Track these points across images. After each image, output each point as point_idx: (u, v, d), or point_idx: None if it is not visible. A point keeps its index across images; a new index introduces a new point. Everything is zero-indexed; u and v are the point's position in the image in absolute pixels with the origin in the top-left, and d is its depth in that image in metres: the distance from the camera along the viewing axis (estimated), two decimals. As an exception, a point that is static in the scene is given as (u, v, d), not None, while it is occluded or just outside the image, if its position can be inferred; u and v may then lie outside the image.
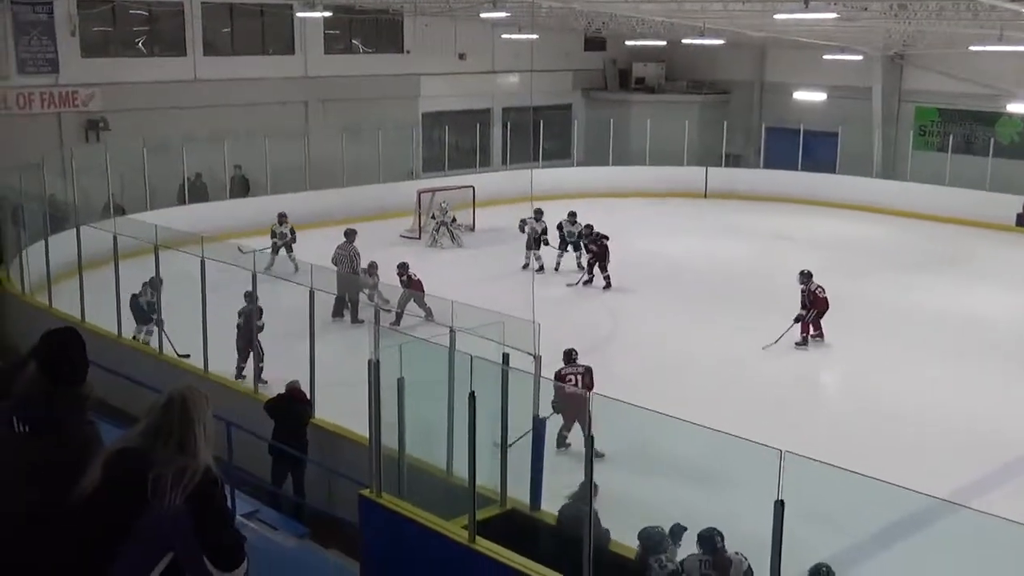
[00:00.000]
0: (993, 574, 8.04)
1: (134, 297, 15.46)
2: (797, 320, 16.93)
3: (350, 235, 19.08)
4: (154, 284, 14.88)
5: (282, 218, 21.56)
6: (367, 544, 9.33)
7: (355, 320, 17.45)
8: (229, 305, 14.66)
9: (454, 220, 24.90)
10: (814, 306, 16.99)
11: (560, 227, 21.63)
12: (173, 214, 22.18)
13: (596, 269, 20.27)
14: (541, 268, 20.95)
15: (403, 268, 17.96)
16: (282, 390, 12.11)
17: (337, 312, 17.42)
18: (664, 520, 8.25)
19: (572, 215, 21.62)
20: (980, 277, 21.94)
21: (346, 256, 18.44)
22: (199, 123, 25.34)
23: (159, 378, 11.93)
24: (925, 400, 14.73)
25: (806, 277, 17.27)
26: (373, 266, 18.02)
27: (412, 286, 17.47)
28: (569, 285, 20.42)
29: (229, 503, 9.01)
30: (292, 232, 21.38)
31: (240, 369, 14.42)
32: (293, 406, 11.83)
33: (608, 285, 20.08)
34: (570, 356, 12.91)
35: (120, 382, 10.93)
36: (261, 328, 13.89)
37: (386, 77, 29.59)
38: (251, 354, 13.90)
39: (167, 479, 3.55)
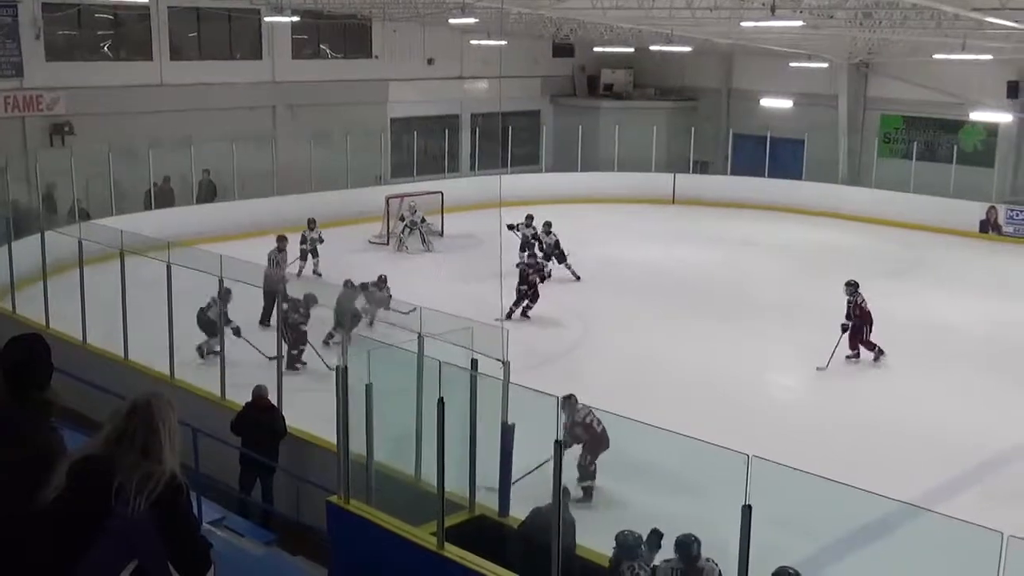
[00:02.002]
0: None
1: (201, 311, 15.15)
2: (844, 331, 16.20)
3: (281, 241, 19.13)
4: (223, 297, 14.37)
5: (312, 223, 21.55)
6: (335, 551, 9.29)
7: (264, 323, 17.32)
8: (195, 311, 14.57)
9: (423, 220, 24.86)
10: (861, 318, 16.33)
11: (536, 238, 21.62)
12: (139, 219, 22.00)
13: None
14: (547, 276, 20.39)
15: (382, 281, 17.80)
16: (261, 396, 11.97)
17: (265, 319, 17.23)
18: (635, 524, 8.24)
19: (547, 225, 21.57)
20: (945, 283, 22.15)
21: (278, 263, 18.63)
22: (166, 128, 25.19)
23: (124, 384, 11.83)
24: (892, 405, 14.84)
25: (852, 288, 16.52)
26: (383, 280, 17.75)
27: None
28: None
29: (195, 510, 8.94)
30: (321, 238, 21.40)
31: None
32: (261, 418, 11.66)
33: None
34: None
35: (85, 388, 10.83)
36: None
37: (354, 82, 29.53)
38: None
39: (131, 486, 3.51)
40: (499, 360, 8.89)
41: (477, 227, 22.45)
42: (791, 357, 17.13)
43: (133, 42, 26.46)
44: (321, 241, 21.35)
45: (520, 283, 18.88)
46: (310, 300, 15.49)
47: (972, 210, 27.19)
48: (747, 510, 6.45)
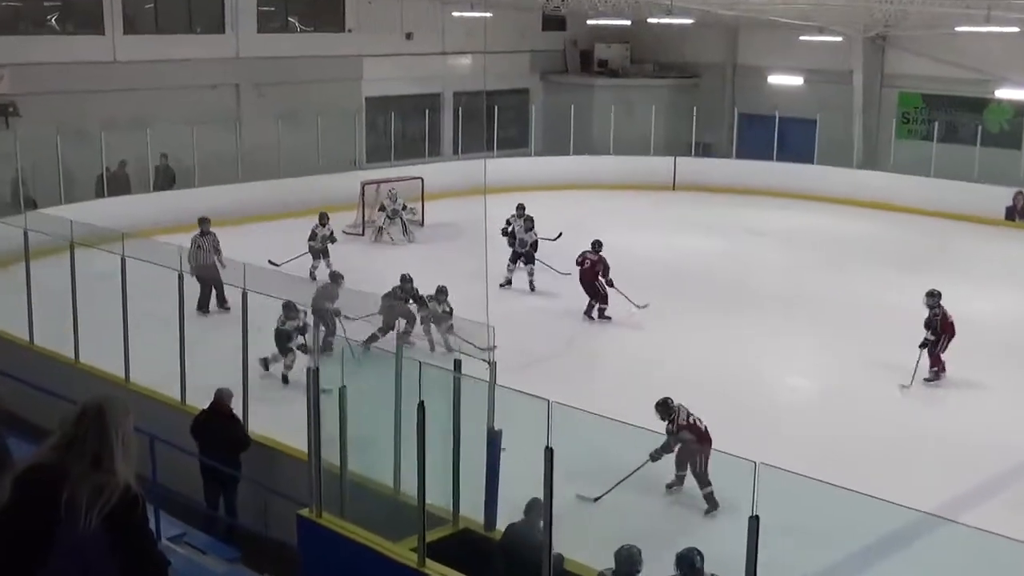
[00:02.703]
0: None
1: (279, 326, 15.11)
2: (923, 346, 15.47)
3: (204, 224, 19.31)
4: (289, 308, 14.70)
5: (324, 219, 21.41)
6: (306, 568, 9.30)
7: (222, 306, 17.94)
8: (152, 307, 14.50)
9: (405, 207, 24.85)
10: (944, 331, 15.58)
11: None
12: (91, 208, 21.94)
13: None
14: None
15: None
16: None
17: (202, 306, 17.90)
18: (632, 538, 8.26)
19: (529, 221, 21.26)
20: (968, 275, 22.18)
21: (204, 247, 18.80)
22: (120, 108, 25.10)
23: (75, 388, 11.80)
24: (911, 407, 14.90)
25: (935, 298, 15.77)
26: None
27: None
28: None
29: (152, 524, 8.92)
30: (333, 236, 21.31)
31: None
32: (218, 425, 11.60)
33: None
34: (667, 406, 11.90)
35: (32, 393, 10.80)
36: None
37: (326, 59, 29.45)
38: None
39: (82, 497, 3.50)
40: (484, 360, 8.91)
41: (460, 216, 22.43)
42: (802, 356, 17.16)
43: (83, 15, 26.30)
44: (333, 240, 21.19)
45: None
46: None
47: (998, 195, 27.25)
48: (754, 521, 6.47)
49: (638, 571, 7.98)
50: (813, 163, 30.36)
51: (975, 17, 22.32)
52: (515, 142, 32.86)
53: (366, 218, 25.35)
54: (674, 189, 31.17)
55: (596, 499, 11.38)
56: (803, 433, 13.78)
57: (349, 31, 30.51)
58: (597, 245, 18.88)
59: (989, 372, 16.31)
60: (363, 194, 25.50)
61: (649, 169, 31.20)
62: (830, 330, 17.69)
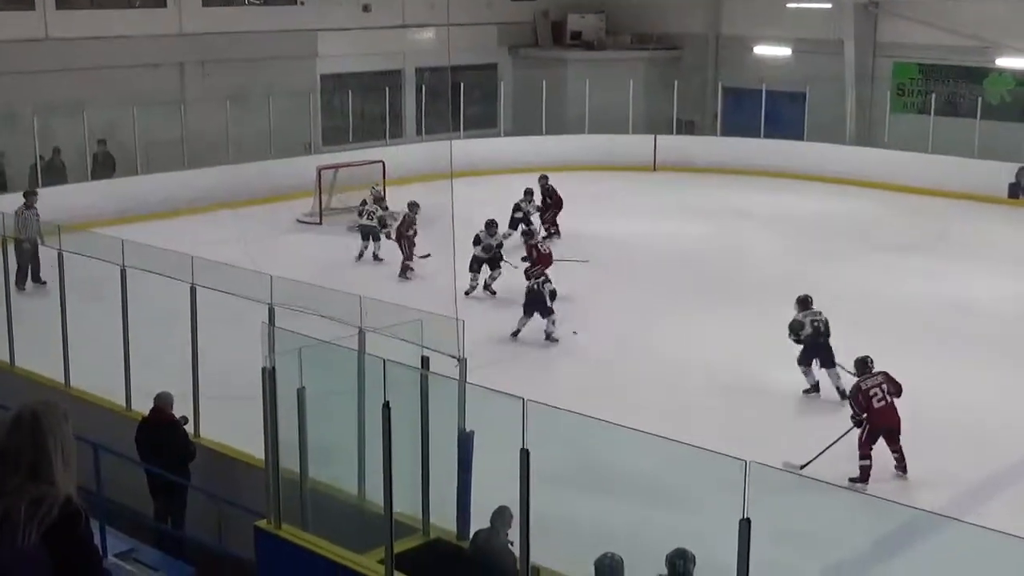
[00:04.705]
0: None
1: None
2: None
3: (30, 197, 19.69)
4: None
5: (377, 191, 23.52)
6: (264, 585, 9.28)
7: (37, 280, 18.77)
8: (92, 306, 14.42)
9: (383, 198, 24.85)
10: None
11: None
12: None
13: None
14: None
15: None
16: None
17: (20, 283, 18.22)
18: (615, 546, 8.27)
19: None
20: (969, 257, 22.37)
21: (28, 221, 19.08)
22: (53, 90, 24.92)
23: (10, 394, 11.70)
24: (911, 398, 14.95)
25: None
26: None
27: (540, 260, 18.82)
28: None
29: (98, 540, 8.87)
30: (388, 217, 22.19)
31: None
32: (163, 433, 11.52)
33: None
34: (865, 364, 12.98)
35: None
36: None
37: (277, 34, 29.31)
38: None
39: (19, 512, 3.48)
40: (454, 356, 8.90)
41: (426, 201, 22.33)
42: (794, 347, 17.21)
43: (11, -12, 26.14)
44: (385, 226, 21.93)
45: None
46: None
47: (1000, 172, 27.44)
48: (746, 524, 6.50)
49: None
50: (803, 140, 30.50)
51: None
52: (483, 121, 32.83)
53: (323, 206, 25.28)
54: (655, 170, 31.23)
55: (802, 466, 11.83)
56: (798, 425, 13.87)
57: (302, 4, 30.39)
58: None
59: (998, 360, 16.45)
60: (319, 180, 25.41)
61: (627, 149, 31.24)
62: (831, 317, 17.75)
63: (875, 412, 12.56)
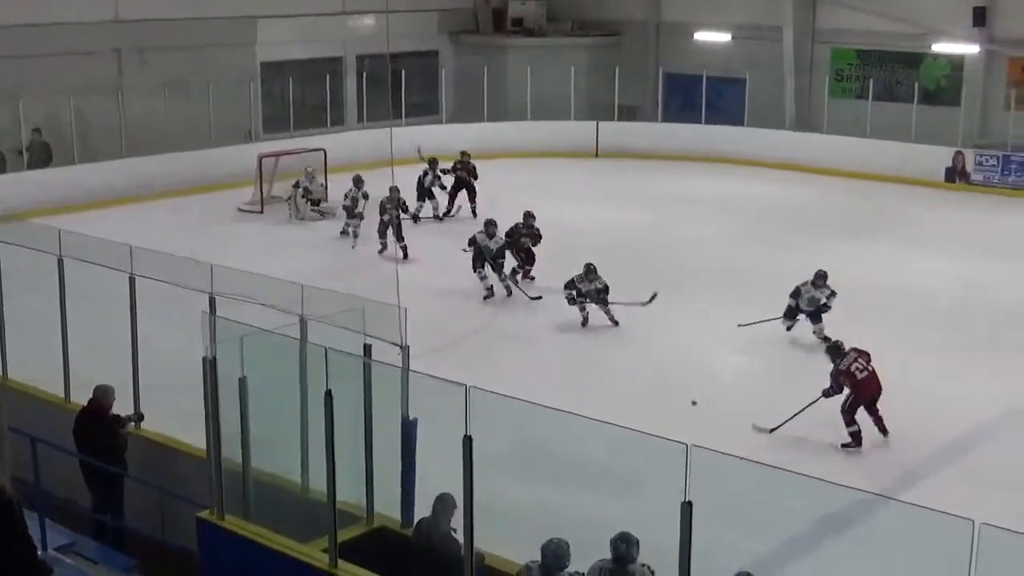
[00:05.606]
0: (929, 571, 8.32)
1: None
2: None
3: None
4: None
5: (434, 164, 24.14)
6: (208, 574, 9.21)
7: None
8: (30, 298, 14.22)
9: (323, 185, 24.79)
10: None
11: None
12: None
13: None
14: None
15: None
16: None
17: None
18: (558, 531, 8.29)
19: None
20: (908, 240, 22.66)
21: None
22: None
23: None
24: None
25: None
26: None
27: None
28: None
29: (37, 533, 8.77)
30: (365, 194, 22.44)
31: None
32: (97, 427, 11.38)
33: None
34: (839, 349, 13.63)
35: None
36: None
37: (216, 20, 28.98)
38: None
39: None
40: (396, 344, 8.88)
41: (368, 188, 22.31)
42: (738, 332, 17.34)
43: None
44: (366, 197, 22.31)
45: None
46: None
47: (937, 156, 27.85)
48: (687, 506, 6.54)
49: (565, 566, 8.02)
50: (743, 125, 30.72)
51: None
52: (424, 108, 32.76)
53: (264, 194, 25.12)
54: (597, 156, 31.35)
55: (772, 430, 13.00)
56: (738, 409, 13.98)
57: (240, -10, 30.09)
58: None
59: (937, 341, 16.69)
60: (260, 168, 25.23)
61: (569, 135, 31.34)
62: (766, 305, 17.90)
63: (861, 384, 13.26)
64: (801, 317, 16.70)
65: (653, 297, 17.47)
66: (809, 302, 16.52)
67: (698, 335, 17.11)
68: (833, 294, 16.60)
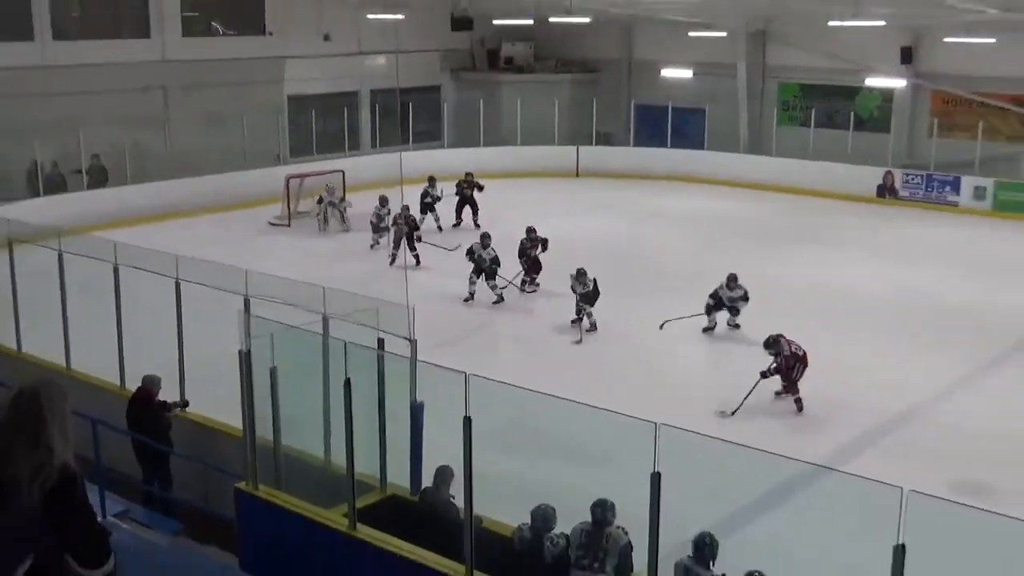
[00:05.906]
0: (863, 531, 8.36)
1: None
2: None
3: None
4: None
5: (432, 181, 23.66)
6: (244, 537, 9.22)
7: None
8: (90, 300, 14.21)
9: (343, 200, 24.75)
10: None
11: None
12: (26, 206, 21.41)
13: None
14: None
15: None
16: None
17: None
18: (546, 497, 8.31)
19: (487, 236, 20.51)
20: (846, 248, 22.70)
21: None
22: (51, 111, 24.42)
23: (18, 377, 11.50)
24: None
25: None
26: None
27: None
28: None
29: (98, 504, 8.77)
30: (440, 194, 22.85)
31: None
32: (145, 413, 11.38)
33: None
34: (778, 342, 13.78)
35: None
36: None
37: (248, 61, 28.98)
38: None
39: (23, 475, 3.43)
40: (405, 338, 8.89)
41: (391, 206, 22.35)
42: (699, 328, 17.37)
43: (12, 21, 25.54)
44: (391, 214, 21.72)
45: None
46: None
47: (870, 175, 27.90)
48: (656, 477, 6.58)
49: (552, 527, 8.05)
50: (703, 149, 30.74)
51: (844, 12, 22.73)
52: (429, 135, 32.69)
53: (291, 210, 25.13)
54: (578, 175, 31.35)
55: (732, 413, 13.20)
56: (701, 395, 14.01)
57: (270, 34, 30.05)
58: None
59: (865, 336, 16.72)
60: (287, 187, 25.22)
61: (554, 158, 31.33)
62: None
63: (803, 358, 13.73)
64: (722, 312, 16.85)
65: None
66: (728, 300, 16.63)
67: (660, 331, 17.09)
68: (745, 293, 16.57)
